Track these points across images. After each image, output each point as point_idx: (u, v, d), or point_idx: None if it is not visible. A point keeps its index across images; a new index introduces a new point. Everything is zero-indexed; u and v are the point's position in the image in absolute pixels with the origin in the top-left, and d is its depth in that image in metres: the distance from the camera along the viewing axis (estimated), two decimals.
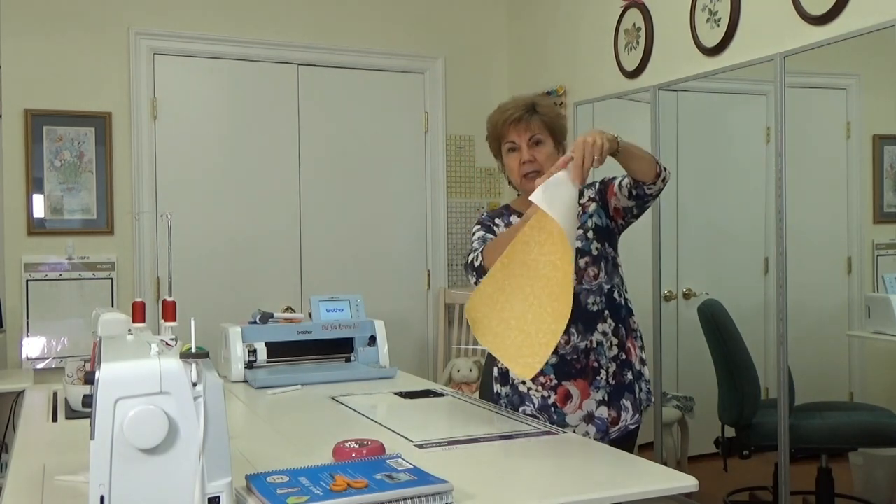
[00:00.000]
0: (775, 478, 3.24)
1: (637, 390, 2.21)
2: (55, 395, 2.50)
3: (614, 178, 2.16)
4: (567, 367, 2.14)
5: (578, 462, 1.75)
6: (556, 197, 1.82)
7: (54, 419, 2.19)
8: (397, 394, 2.46)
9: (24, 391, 2.80)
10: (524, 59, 4.90)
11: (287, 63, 4.56)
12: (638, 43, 3.93)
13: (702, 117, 3.96)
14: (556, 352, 2.12)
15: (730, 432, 3.48)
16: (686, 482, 1.54)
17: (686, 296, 3.89)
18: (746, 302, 3.67)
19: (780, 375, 3.16)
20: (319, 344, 2.89)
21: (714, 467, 3.53)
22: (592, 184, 2.24)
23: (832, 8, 2.95)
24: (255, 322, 2.85)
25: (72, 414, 2.17)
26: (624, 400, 2.17)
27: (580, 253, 2.15)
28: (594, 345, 2.14)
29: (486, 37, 5.01)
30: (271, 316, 2.89)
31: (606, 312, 2.16)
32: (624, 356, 2.19)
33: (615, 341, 2.17)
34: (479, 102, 5.02)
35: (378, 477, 1.38)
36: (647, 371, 2.26)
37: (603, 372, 2.14)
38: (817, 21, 3.02)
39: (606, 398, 2.15)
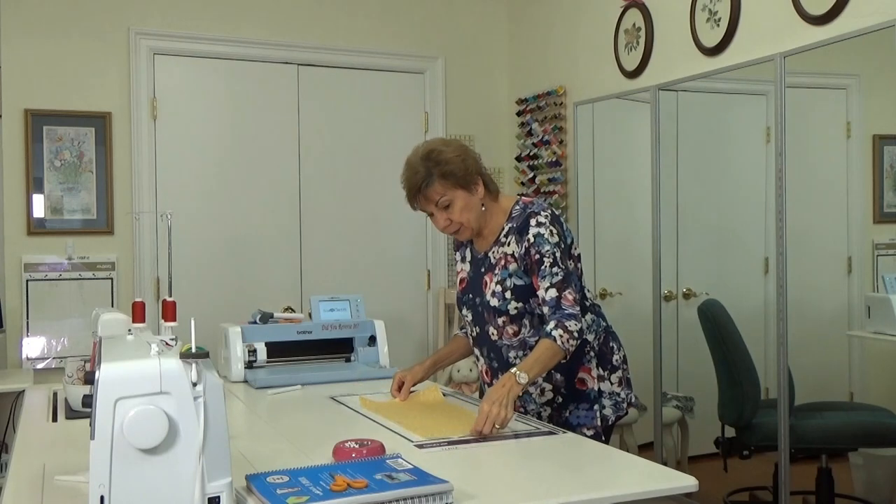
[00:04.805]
0: (775, 478, 3.24)
1: (595, 412, 2.22)
2: (55, 395, 2.50)
3: (539, 267, 2.12)
4: None
5: (579, 462, 1.75)
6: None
7: (54, 419, 2.19)
8: None
9: (24, 391, 2.80)
10: (524, 59, 4.89)
11: (287, 63, 4.56)
12: (638, 43, 3.93)
13: (702, 117, 3.96)
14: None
15: (730, 432, 3.48)
16: (686, 482, 1.54)
17: (686, 296, 3.89)
18: (746, 302, 3.67)
19: (780, 375, 3.15)
20: (319, 344, 2.89)
21: (714, 467, 3.52)
22: (509, 238, 2.18)
23: (832, 8, 2.95)
24: (255, 322, 2.85)
25: (72, 414, 2.17)
26: None
27: (497, 312, 2.19)
28: (521, 392, 2.13)
29: (486, 37, 5.01)
30: (271, 316, 2.89)
31: None
32: (562, 399, 2.22)
33: (548, 387, 2.22)
34: (479, 102, 5.04)
35: (378, 477, 1.37)
36: (609, 385, 2.25)
37: (534, 416, 2.21)
38: (817, 21, 3.02)
39: None
